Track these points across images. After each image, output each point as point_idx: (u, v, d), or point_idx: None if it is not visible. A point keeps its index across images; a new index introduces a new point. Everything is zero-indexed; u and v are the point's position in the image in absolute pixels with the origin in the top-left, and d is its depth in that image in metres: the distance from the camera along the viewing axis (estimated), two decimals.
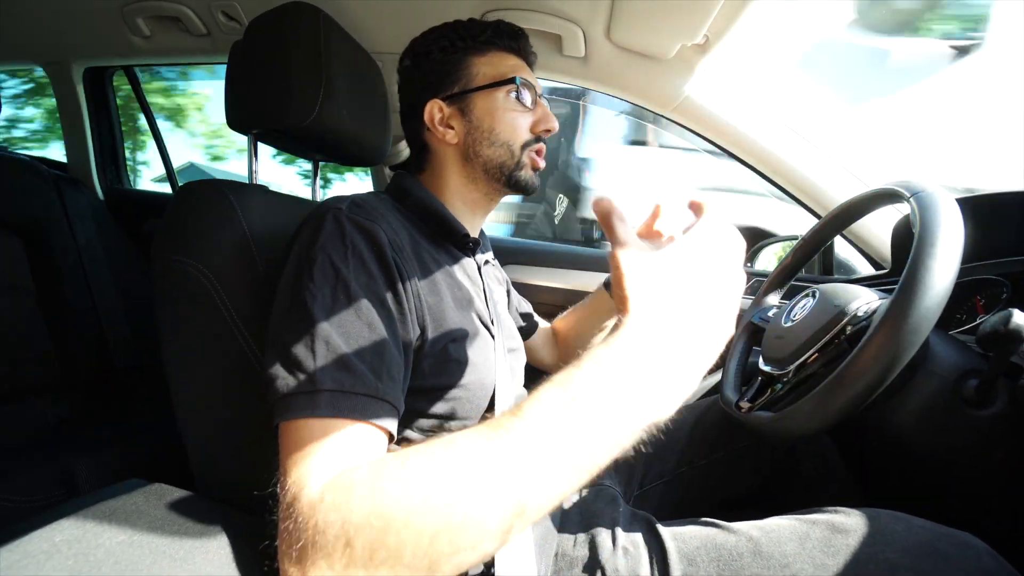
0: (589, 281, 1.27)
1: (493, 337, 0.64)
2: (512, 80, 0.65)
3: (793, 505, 0.59)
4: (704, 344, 0.36)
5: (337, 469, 0.39)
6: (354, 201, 0.55)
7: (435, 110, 0.66)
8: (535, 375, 1.19)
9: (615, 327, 0.36)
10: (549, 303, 1.23)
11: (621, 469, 0.81)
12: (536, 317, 0.99)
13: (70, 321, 1.25)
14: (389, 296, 0.50)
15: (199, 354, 0.59)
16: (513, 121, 0.66)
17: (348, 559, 0.34)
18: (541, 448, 0.33)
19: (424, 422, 0.57)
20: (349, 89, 0.69)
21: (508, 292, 0.90)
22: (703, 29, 0.84)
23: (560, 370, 0.36)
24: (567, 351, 1.01)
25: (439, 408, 0.57)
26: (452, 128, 0.66)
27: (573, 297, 1.25)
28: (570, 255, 1.32)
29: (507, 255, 1.31)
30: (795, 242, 0.84)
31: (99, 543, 0.38)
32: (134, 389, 1.33)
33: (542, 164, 0.69)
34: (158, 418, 1.15)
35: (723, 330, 0.37)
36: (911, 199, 0.57)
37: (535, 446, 0.33)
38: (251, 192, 0.65)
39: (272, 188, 0.72)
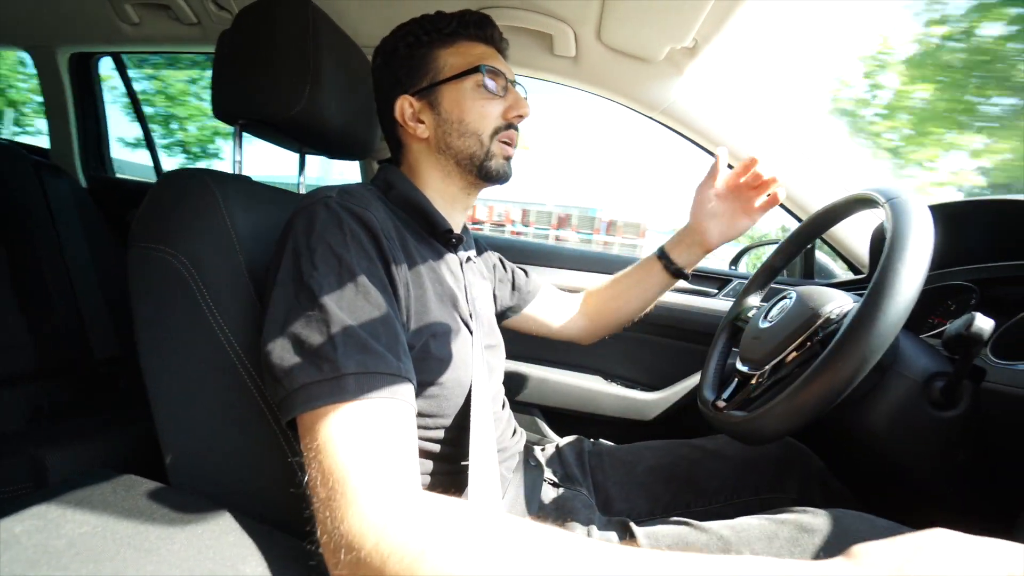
0: (581, 281, 1.28)
1: (472, 334, 0.64)
2: (477, 69, 0.64)
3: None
4: None
5: (388, 460, 0.41)
6: (343, 190, 0.55)
7: (405, 106, 0.65)
8: (530, 349, 1.19)
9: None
10: None
11: (600, 489, 0.79)
12: (536, 282, 0.96)
13: (48, 310, 1.22)
14: (385, 277, 0.51)
15: (175, 344, 0.58)
16: (482, 109, 0.64)
17: None
18: None
19: None
20: (337, 81, 0.68)
21: (495, 280, 0.89)
22: (692, 32, 0.84)
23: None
24: (600, 320, 0.96)
25: (416, 405, 0.57)
26: (423, 123, 0.65)
27: None
28: (562, 254, 1.33)
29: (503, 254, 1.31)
30: (777, 245, 0.85)
31: (61, 533, 0.37)
32: (114, 380, 1.31)
33: (512, 152, 0.68)
34: (137, 411, 1.13)
35: None
36: (885, 205, 0.58)
37: None
38: (234, 182, 0.64)
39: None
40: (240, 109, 0.69)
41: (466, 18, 0.66)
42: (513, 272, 0.92)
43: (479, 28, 0.67)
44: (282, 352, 0.45)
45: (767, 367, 0.65)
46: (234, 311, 0.57)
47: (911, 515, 0.60)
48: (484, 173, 0.66)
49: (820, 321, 0.62)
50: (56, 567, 0.35)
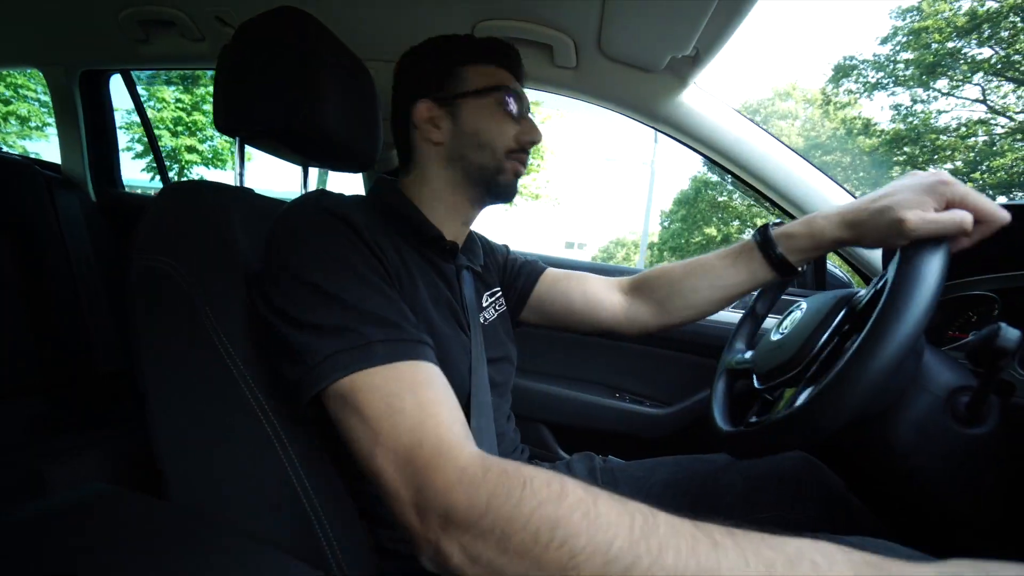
0: None
1: (469, 340, 0.62)
2: (500, 88, 0.66)
3: None
4: None
5: (450, 417, 0.42)
6: (323, 192, 0.57)
7: (423, 109, 0.66)
8: (536, 363, 1.16)
9: None
10: None
11: None
12: (538, 264, 0.87)
13: (55, 321, 1.23)
14: (382, 269, 0.52)
15: (175, 357, 0.58)
16: (499, 127, 0.66)
17: (498, 549, 0.35)
18: None
19: None
20: (337, 94, 0.68)
21: (507, 270, 0.86)
22: (692, 41, 0.84)
23: None
24: (672, 304, 0.78)
25: None
26: (439, 128, 0.66)
27: None
28: (580, 268, 1.31)
29: None
30: None
31: (44, 552, 0.36)
32: (118, 393, 1.32)
33: (522, 170, 0.69)
34: (140, 424, 1.12)
35: None
36: None
37: None
38: (236, 194, 0.64)
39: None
40: (241, 122, 0.70)
41: (497, 45, 0.69)
42: (516, 259, 0.88)
43: (507, 58, 0.69)
44: (301, 336, 0.46)
45: (788, 375, 0.63)
46: (235, 324, 0.56)
47: (939, 540, 0.57)
48: (493, 188, 0.67)
49: (849, 303, 0.60)
50: None
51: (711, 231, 16.87)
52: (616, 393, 1.26)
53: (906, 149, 13.68)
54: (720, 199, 16.86)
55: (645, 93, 1.03)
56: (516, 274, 0.86)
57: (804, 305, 0.69)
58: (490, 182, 0.67)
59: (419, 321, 0.55)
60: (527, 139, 0.67)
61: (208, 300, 0.56)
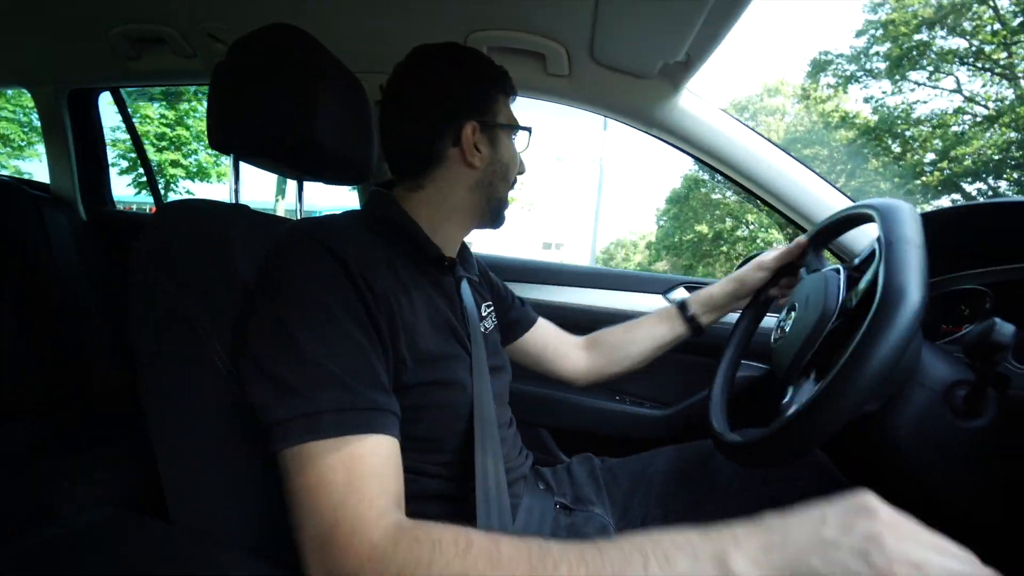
0: (581, 297, 1.27)
1: (470, 356, 0.63)
2: (528, 129, 0.70)
3: None
4: None
5: (372, 499, 0.42)
6: (319, 223, 0.56)
7: (470, 131, 0.64)
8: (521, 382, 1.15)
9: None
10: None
11: (616, 502, 0.79)
12: (531, 313, 0.94)
13: (50, 341, 1.22)
14: (363, 312, 0.51)
15: (176, 376, 0.57)
16: (516, 163, 0.70)
17: None
18: None
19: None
20: (332, 107, 0.68)
21: (501, 301, 0.88)
22: (684, 47, 0.85)
23: None
24: (614, 356, 0.94)
25: (413, 430, 0.55)
26: (480, 152, 0.65)
27: (563, 312, 1.24)
28: (560, 272, 1.32)
29: (499, 273, 1.30)
30: None
31: None
32: (116, 411, 1.30)
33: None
34: (141, 441, 1.11)
35: None
36: (875, 214, 0.59)
37: None
38: (233, 212, 0.64)
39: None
40: (236, 139, 0.69)
41: (511, 81, 0.71)
42: (511, 296, 0.92)
43: (514, 93, 0.72)
44: (259, 387, 0.46)
45: (796, 370, 0.63)
46: (234, 342, 0.56)
47: (936, 530, 0.57)
48: (497, 217, 0.72)
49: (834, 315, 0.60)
50: None
51: (702, 228, 16.92)
52: (616, 395, 1.27)
53: (886, 140, 13.86)
54: (713, 196, 16.93)
55: (638, 99, 1.03)
56: (517, 313, 0.90)
57: (796, 306, 0.69)
58: (496, 212, 0.71)
59: (415, 349, 0.55)
60: (521, 172, 0.72)
61: (207, 318, 0.55)
